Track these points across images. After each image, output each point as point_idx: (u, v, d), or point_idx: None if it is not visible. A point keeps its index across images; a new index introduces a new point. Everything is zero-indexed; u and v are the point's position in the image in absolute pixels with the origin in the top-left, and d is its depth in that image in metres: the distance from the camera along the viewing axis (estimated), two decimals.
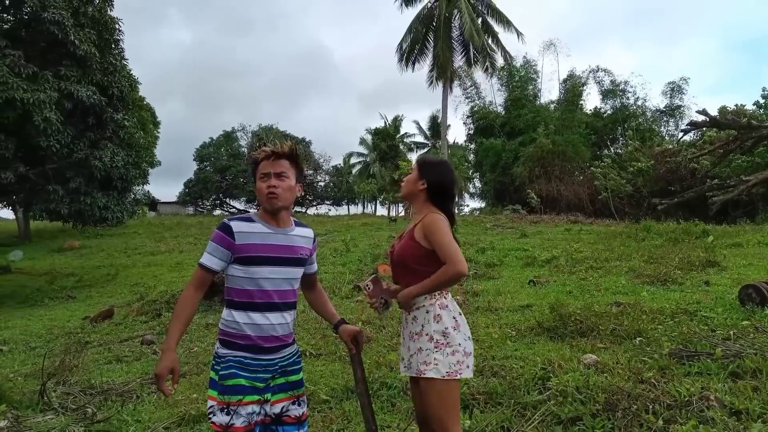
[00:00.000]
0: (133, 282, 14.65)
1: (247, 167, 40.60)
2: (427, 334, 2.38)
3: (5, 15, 14.39)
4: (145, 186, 22.79)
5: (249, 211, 2.56)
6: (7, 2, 13.86)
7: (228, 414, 2.15)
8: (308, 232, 2.47)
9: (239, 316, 2.24)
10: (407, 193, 2.66)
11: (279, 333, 2.27)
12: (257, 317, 2.23)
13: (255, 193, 2.36)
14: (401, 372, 2.59)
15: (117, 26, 15.68)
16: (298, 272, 2.38)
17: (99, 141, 14.68)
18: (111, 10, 15.53)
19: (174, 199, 50.52)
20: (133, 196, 17.52)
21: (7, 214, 28.43)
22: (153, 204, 48.13)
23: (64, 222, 16.09)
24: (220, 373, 2.20)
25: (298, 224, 2.44)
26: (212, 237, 2.27)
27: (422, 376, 2.35)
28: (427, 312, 2.41)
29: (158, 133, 34.87)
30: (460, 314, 2.49)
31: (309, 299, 2.67)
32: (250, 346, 2.22)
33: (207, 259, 2.26)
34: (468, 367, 2.40)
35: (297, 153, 2.36)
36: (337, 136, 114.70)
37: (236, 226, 2.25)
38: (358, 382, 2.54)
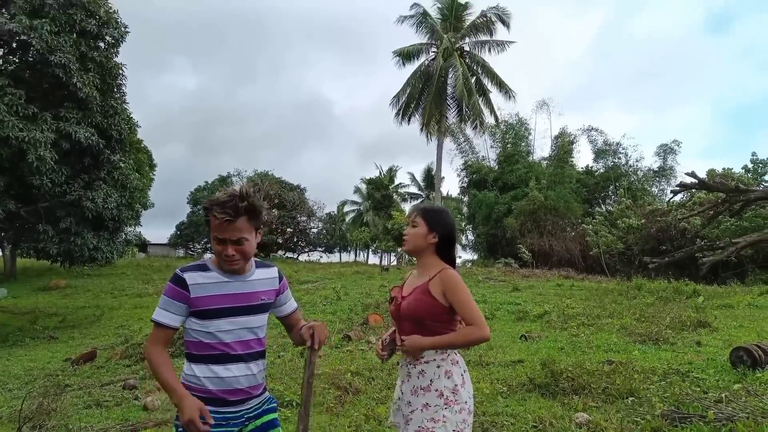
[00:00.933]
0: (118, 324, 14.39)
1: None
2: (436, 390, 2.30)
3: (11, 57, 14.68)
4: (137, 227, 22.74)
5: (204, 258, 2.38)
6: (15, 45, 14.16)
7: None
8: (271, 272, 2.29)
9: (200, 370, 2.09)
10: (415, 248, 2.53)
11: (244, 385, 2.13)
12: (219, 370, 2.08)
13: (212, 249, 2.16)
14: (397, 427, 2.46)
15: (121, 71, 16.00)
16: (261, 319, 2.22)
17: (93, 181, 14.73)
18: (116, 56, 15.89)
19: (165, 240, 50.26)
20: (124, 236, 17.41)
21: None
22: (143, 245, 47.80)
23: (52, 261, 15.91)
24: (179, 429, 2.03)
25: (259, 265, 2.27)
26: (165, 290, 2.10)
27: None
28: (438, 367, 2.33)
29: (154, 175, 35.06)
30: (466, 371, 2.43)
31: (293, 340, 2.46)
32: (213, 399, 2.07)
33: (162, 316, 2.08)
34: (470, 425, 2.33)
35: (255, 206, 2.08)
36: (332, 184, 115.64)
37: (190, 277, 2.09)
38: (305, 384, 2.27)
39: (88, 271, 24.23)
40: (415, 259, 2.60)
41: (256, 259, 2.29)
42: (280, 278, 2.33)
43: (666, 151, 32.67)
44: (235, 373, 2.10)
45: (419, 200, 52.99)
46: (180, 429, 2.04)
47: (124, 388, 6.90)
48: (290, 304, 2.39)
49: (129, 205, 16.36)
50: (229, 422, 2.09)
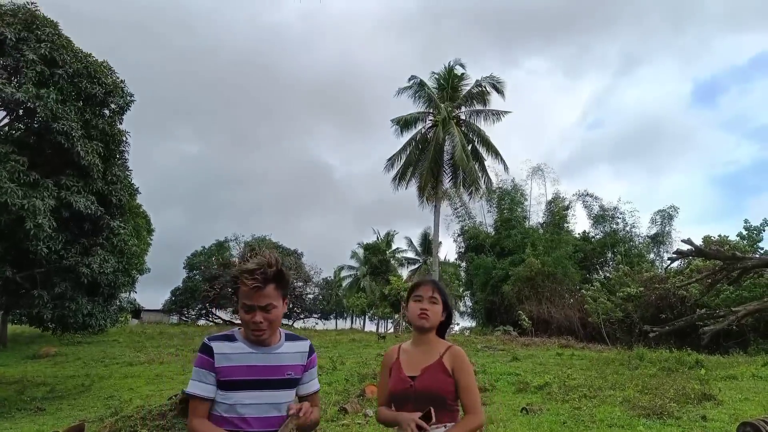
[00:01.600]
0: (108, 394, 13.98)
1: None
2: None
3: (17, 123, 15.02)
4: (132, 293, 22.54)
5: (234, 326, 2.32)
6: (21, 112, 14.52)
7: None
8: (301, 346, 2.24)
9: None
10: (434, 326, 2.51)
11: None
12: None
13: (240, 319, 2.14)
14: None
15: (124, 138, 16.33)
16: (287, 395, 2.15)
17: (91, 247, 14.72)
18: (120, 123, 16.27)
19: (159, 306, 49.58)
20: (118, 303, 17.21)
21: None
22: (137, 311, 47.10)
23: (44, 329, 15.65)
24: None
25: (289, 338, 2.23)
26: (195, 361, 2.09)
27: None
28: None
29: (151, 240, 35.10)
30: None
31: None
32: None
33: (195, 387, 2.07)
34: None
35: (283, 273, 2.10)
36: (329, 249, 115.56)
37: (216, 347, 2.07)
38: None
39: (79, 339, 23.76)
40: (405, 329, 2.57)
41: (286, 330, 2.26)
42: (310, 353, 2.27)
43: (663, 216, 32.94)
44: None
45: (417, 266, 52.88)
46: None
47: None
48: (313, 384, 2.29)
49: (126, 270, 16.27)
50: None
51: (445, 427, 2.31)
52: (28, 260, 13.63)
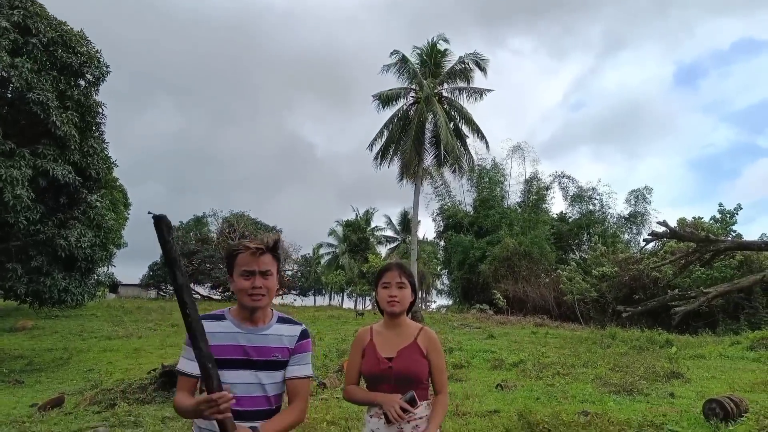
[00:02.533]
0: (87, 368, 13.95)
1: (215, 253, 40.03)
2: None
3: None
4: (109, 267, 22.25)
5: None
6: None
7: None
8: (292, 330, 2.25)
9: (203, 422, 2.08)
10: (404, 310, 2.61)
11: None
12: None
13: (233, 289, 2.19)
14: None
15: (100, 110, 16.01)
16: (273, 376, 2.17)
17: (68, 220, 14.52)
18: (96, 94, 15.92)
19: (137, 281, 49.18)
20: (96, 277, 17.04)
21: None
22: (114, 286, 46.63)
23: (19, 302, 15.47)
24: None
25: (282, 320, 2.25)
26: (186, 339, 2.11)
27: None
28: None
29: (128, 214, 34.64)
30: None
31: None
32: None
33: (183, 364, 2.12)
34: None
35: (278, 241, 2.22)
36: (308, 226, 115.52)
37: (205, 325, 2.02)
38: None
39: (56, 312, 23.51)
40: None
41: (282, 313, 2.29)
42: (302, 338, 2.26)
43: (638, 197, 33.57)
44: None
45: (395, 244, 53.16)
46: None
47: None
48: (300, 369, 2.24)
49: (103, 245, 16.08)
50: None
51: (420, 405, 2.44)
52: (3, 232, 13.41)
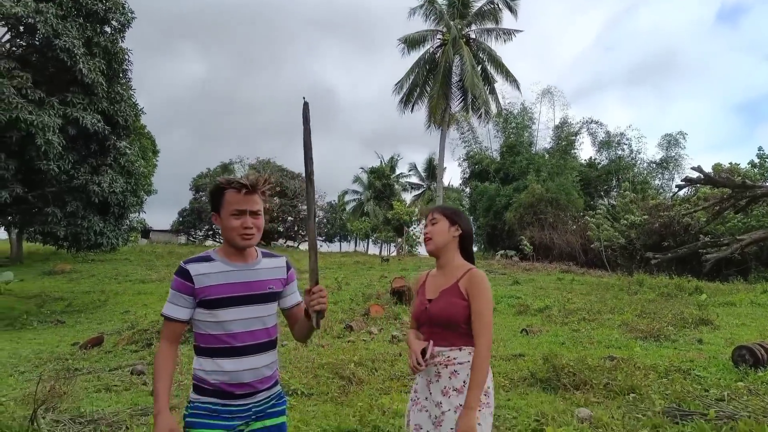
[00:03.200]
0: (123, 309, 14.51)
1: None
2: None
3: (18, 40, 14.68)
4: (141, 213, 22.81)
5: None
6: (22, 29, 14.15)
7: None
8: (279, 262, 2.29)
9: (207, 364, 2.10)
10: (439, 245, 2.45)
11: (251, 379, 2.11)
12: (226, 363, 2.08)
13: (222, 227, 2.17)
14: (424, 430, 2.35)
15: (126, 57, 15.99)
16: (270, 308, 2.21)
17: (100, 167, 14.79)
18: (122, 41, 15.88)
19: (167, 227, 50.37)
20: (128, 222, 17.49)
21: (0, 234, 28.27)
22: (146, 231, 47.87)
23: (58, 246, 16.01)
24: (186, 419, 2.09)
25: (266, 255, 2.28)
26: (172, 284, 2.13)
27: None
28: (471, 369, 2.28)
29: (157, 161, 35.10)
30: (491, 376, 2.39)
31: (295, 334, 2.38)
32: (219, 392, 2.08)
33: (170, 309, 2.10)
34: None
35: (267, 180, 2.21)
36: (334, 173, 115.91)
37: (194, 268, 2.10)
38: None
39: (92, 257, 24.35)
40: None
41: (261, 249, 2.30)
42: (288, 268, 2.33)
43: (670, 141, 32.52)
44: (243, 366, 2.09)
45: (420, 191, 53.01)
46: (188, 414, 2.10)
47: (132, 374, 7.00)
48: (295, 296, 2.35)
49: (134, 191, 16.41)
50: (235, 416, 2.09)
51: (460, 350, 2.31)
52: (39, 179, 13.74)
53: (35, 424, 4.52)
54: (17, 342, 10.31)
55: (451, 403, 2.26)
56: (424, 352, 2.33)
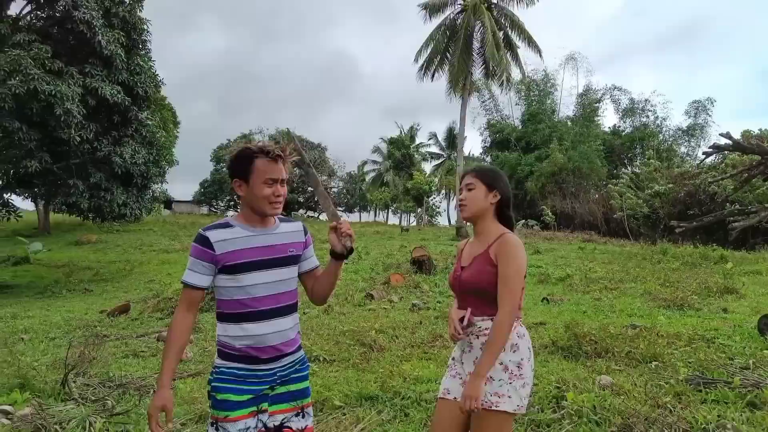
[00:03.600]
0: (148, 278, 14.82)
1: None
2: (501, 364, 2.19)
3: (39, 12, 14.72)
4: (163, 184, 23.12)
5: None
6: (42, 1, 14.18)
7: (217, 429, 2.06)
8: (296, 226, 2.30)
9: (232, 329, 2.10)
10: (476, 212, 2.35)
11: (277, 342, 2.12)
12: (252, 327, 2.08)
13: (248, 195, 2.14)
14: (451, 395, 2.32)
15: (145, 27, 15.94)
16: (292, 271, 2.23)
17: (122, 138, 14.93)
18: (141, 11, 15.80)
19: (189, 198, 51.00)
20: (151, 193, 17.71)
21: (28, 206, 28.89)
22: (168, 202, 48.54)
23: (83, 217, 16.31)
24: (212, 384, 2.10)
25: (283, 220, 2.27)
26: (191, 251, 2.11)
27: (493, 408, 2.15)
28: None
29: (178, 132, 35.29)
30: (531, 347, 2.32)
31: (317, 292, 2.34)
32: (245, 357, 2.09)
33: (190, 277, 2.09)
34: (528, 398, 2.26)
35: (295, 155, 2.21)
36: (354, 144, 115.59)
37: (213, 235, 2.09)
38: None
39: (117, 227, 24.82)
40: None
41: (277, 216, 2.28)
42: (305, 232, 2.33)
43: (698, 108, 31.65)
44: (265, 330, 2.09)
45: (440, 160, 52.63)
46: (213, 379, 2.12)
47: (158, 340, 7.17)
48: (313, 260, 2.35)
49: (156, 162, 16.55)
50: (261, 380, 2.11)
51: (492, 320, 2.22)
52: (63, 151, 13.92)
53: (66, 387, 4.66)
54: (47, 310, 10.62)
55: None
56: (462, 320, 2.29)
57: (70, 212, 16.17)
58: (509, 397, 2.17)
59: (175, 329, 2.10)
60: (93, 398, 4.57)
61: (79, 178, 14.29)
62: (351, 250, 2.22)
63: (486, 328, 2.24)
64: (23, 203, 27.22)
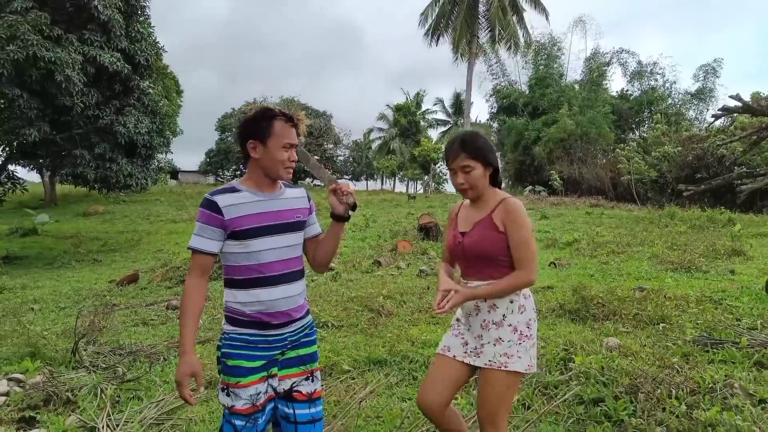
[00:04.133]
0: (156, 248, 14.91)
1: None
2: (510, 325, 2.22)
3: None
4: (168, 154, 23.02)
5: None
6: None
7: (228, 395, 2.07)
8: (300, 192, 2.29)
9: (241, 296, 2.09)
10: (482, 190, 2.32)
11: (286, 307, 2.12)
12: (261, 293, 2.08)
13: (264, 157, 2.11)
14: (451, 353, 2.36)
15: None
16: (299, 237, 2.23)
17: (124, 107, 14.80)
18: None
19: (195, 168, 51.00)
20: (156, 163, 17.66)
21: (34, 177, 28.98)
22: (174, 172, 48.57)
23: (89, 188, 16.32)
24: (222, 350, 2.10)
25: (287, 186, 2.27)
26: (198, 216, 2.08)
27: (503, 368, 2.19)
28: (511, 302, 2.24)
29: (181, 102, 35.01)
30: (534, 308, 2.36)
31: (319, 256, 2.33)
32: (255, 323, 2.09)
33: (198, 243, 2.06)
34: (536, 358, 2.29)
35: (305, 122, 2.25)
36: (359, 111, 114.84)
37: (221, 200, 2.06)
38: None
39: (124, 198, 24.91)
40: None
41: (282, 182, 2.28)
42: (309, 198, 2.33)
43: (707, 71, 31.01)
44: (276, 296, 2.09)
45: (447, 127, 52.13)
46: (223, 345, 2.12)
47: (167, 308, 7.23)
48: (317, 227, 2.34)
49: (160, 131, 16.43)
50: (272, 345, 2.11)
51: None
52: (65, 121, 13.83)
53: (77, 355, 4.72)
54: (57, 280, 10.72)
55: (491, 336, 2.25)
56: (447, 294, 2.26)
57: (76, 183, 16.17)
58: (519, 357, 2.20)
59: (190, 296, 2.07)
60: (104, 366, 4.63)
61: (84, 149, 14.23)
62: (354, 206, 2.22)
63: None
64: (29, 175, 27.35)
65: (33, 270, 12.56)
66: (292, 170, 2.16)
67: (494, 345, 2.22)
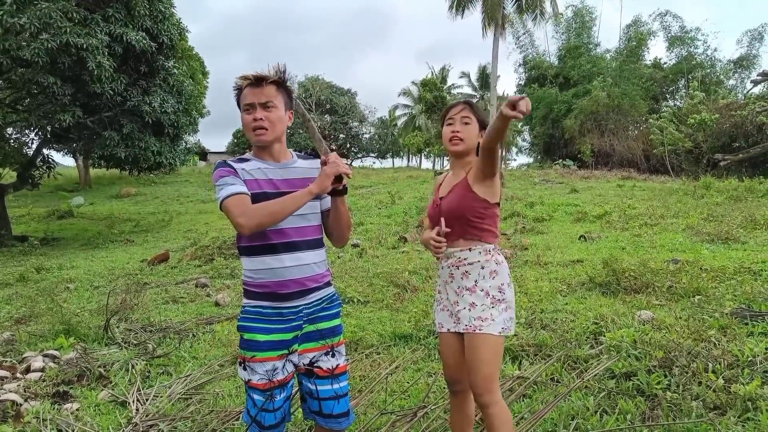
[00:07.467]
0: (186, 228, 15.15)
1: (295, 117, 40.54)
2: (482, 290, 2.26)
3: None
4: (195, 135, 23.24)
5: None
6: None
7: (245, 369, 2.05)
8: (314, 163, 2.17)
9: (253, 263, 2.05)
10: (471, 147, 2.35)
11: (299, 276, 2.04)
12: (272, 261, 2.02)
13: (242, 128, 2.09)
14: (445, 328, 2.40)
15: None
16: (313, 206, 2.12)
17: (150, 88, 14.91)
18: None
19: (223, 149, 51.45)
20: (184, 144, 17.83)
21: (69, 161, 29.64)
22: (203, 154, 49.13)
23: (121, 169, 16.60)
24: (239, 323, 2.08)
25: (301, 156, 2.21)
26: (215, 177, 2.02)
27: (477, 332, 2.22)
28: (482, 268, 2.27)
29: (207, 83, 35.18)
30: (509, 273, 2.37)
31: (329, 234, 2.26)
32: (268, 294, 2.03)
33: (233, 188, 1.96)
34: (514, 321, 2.33)
35: (284, 77, 2.11)
36: (385, 89, 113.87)
37: (234, 165, 2.04)
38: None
39: (154, 180, 25.32)
40: (449, 161, 2.45)
41: (297, 152, 2.22)
42: None
43: (753, 37, 29.61)
44: (289, 263, 2.03)
45: (474, 101, 51.36)
46: (240, 318, 2.09)
47: (196, 287, 7.34)
48: (330, 200, 2.22)
49: (186, 111, 16.53)
50: (287, 318, 2.05)
51: (470, 250, 2.29)
52: (95, 104, 14.02)
53: (109, 332, 4.82)
54: (91, 260, 10.98)
55: (465, 301, 2.29)
56: (439, 234, 2.31)
57: (107, 165, 16.45)
58: (493, 320, 2.24)
59: (261, 206, 1.95)
60: (135, 342, 4.72)
61: (113, 130, 14.43)
62: (341, 178, 2.04)
63: (465, 258, 2.31)
64: (63, 159, 27.97)
65: (69, 250, 12.90)
66: (261, 131, 2.03)
67: (468, 310, 2.27)
